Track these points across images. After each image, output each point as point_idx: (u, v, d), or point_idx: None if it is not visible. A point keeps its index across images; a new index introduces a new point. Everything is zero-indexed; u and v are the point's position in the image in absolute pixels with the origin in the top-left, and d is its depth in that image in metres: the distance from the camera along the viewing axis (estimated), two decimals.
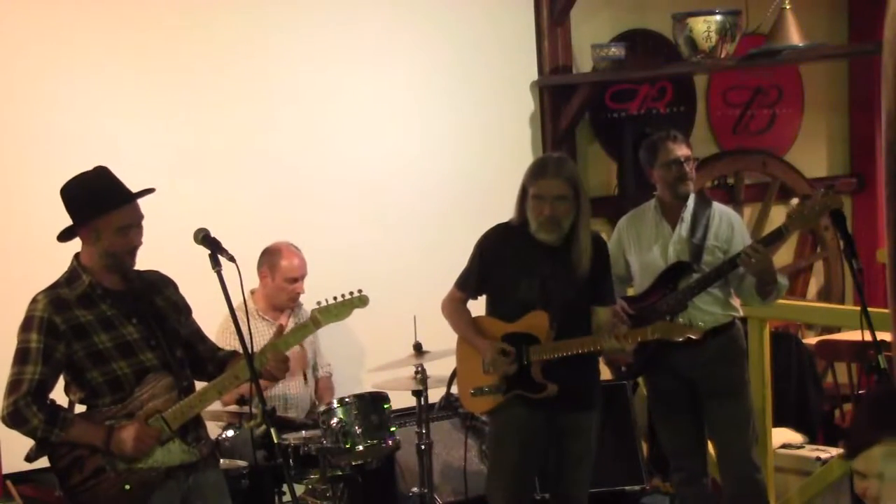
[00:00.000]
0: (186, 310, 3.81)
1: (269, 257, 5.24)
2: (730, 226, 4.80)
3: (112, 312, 3.59)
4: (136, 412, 3.56)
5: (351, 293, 3.93)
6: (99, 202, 3.56)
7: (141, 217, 3.65)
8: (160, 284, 3.76)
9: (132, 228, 3.60)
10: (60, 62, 5.17)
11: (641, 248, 4.86)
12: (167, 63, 5.38)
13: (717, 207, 4.86)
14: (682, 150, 4.76)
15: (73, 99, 5.19)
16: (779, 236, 4.70)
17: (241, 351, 3.60)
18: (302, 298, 5.38)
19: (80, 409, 3.69)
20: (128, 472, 3.54)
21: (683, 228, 4.79)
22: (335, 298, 3.90)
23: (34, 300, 3.59)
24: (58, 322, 3.52)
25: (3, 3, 5.06)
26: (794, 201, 4.84)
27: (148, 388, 3.57)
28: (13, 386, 3.51)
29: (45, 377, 3.52)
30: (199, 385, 3.79)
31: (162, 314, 3.69)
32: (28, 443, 3.70)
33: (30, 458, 3.67)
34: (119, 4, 5.30)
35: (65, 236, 3.66)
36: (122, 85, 5.29)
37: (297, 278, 5.25)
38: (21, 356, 3.53)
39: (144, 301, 3.65)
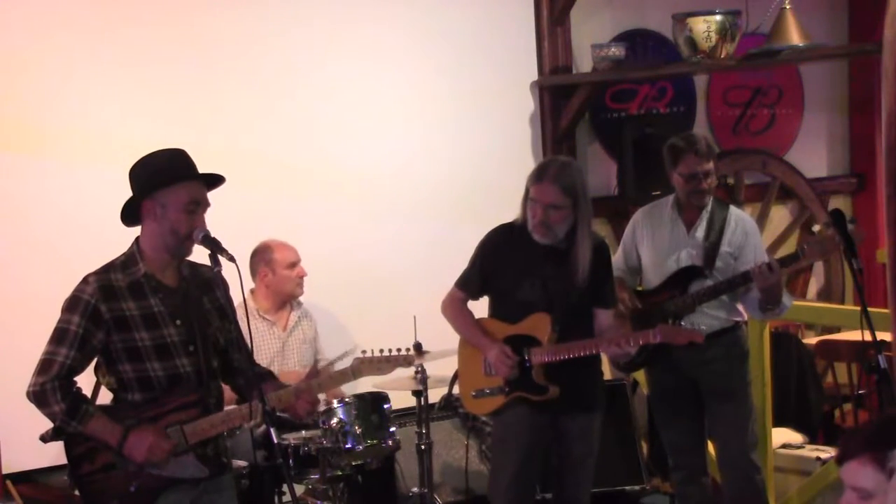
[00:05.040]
0: (232, 314, 3.72)
1: (262, 255, 5.26)
2: (744, 232, 4.79)
3: (159, 309, 3.53)
4: (158, 419, 3.53)
5: (399, 350, 3.95)
6: (170, 172, 3.52)
7: (208, 203, 3.59)
8: (212, 283, 3.66)
9: (199, 207, 3.54)
10: (57, 60, 5.16)
11: (654, 245, 4.85)
12: (165, 61, 5.38)
13: (734, 213, 4.84)
14: (702, 166, 4.69)
15: (68, 97, 5.18)
16: (794, 260, 4.71)
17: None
18: (304, 295, 5.39)
19: (105, 393, 3.67)
20: (136, 474, 3.52)
21: (699, 231, 4.78)
22: (381, 351, 3.92)
23: (85, 280, 3.53)
24: (103, 310, 3.47)
25: (12, 4, 5.07)
26: (817, 228, 4.82)
27: (175, 399, 3.55)
28: (44, 365, 3.48)
29: (76, 363, 3.49)
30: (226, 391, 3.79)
31: (206, 319, 3.63)
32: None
33: (45, 439, 3.66)
34: (117, 2, 5.30)
35: (128, 217, 3.58)
36: (120, 83, 5.28)
37: (295, 262, 5.28)
38: (59, 336, 3.49)
39: (193, 301, 3.60)
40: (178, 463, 3.54)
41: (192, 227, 3.52)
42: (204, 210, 3.57)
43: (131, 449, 3.48)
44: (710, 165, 4.74)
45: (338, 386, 4.12)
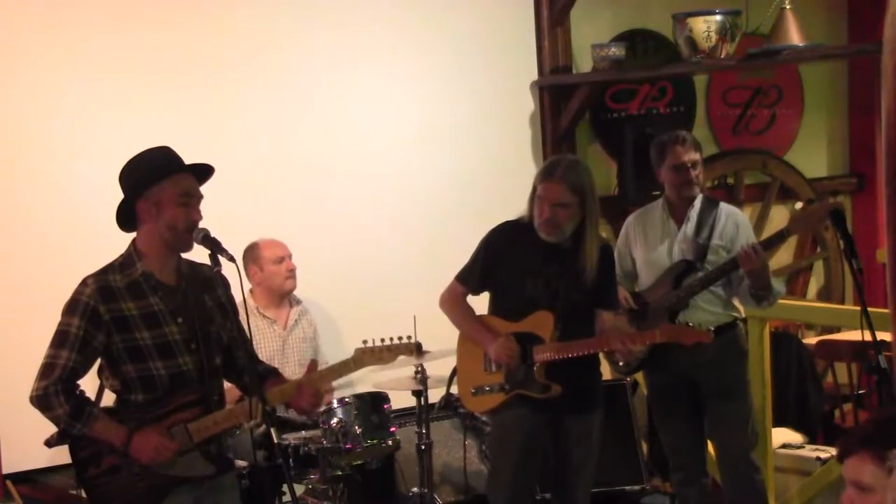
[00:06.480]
0: (234, 312, 3.72)
1: (250, 254, 5.27)
2: (735, 225, 4.81)
3: (159, 308, 3.53)
4: (162, 419, 3.52)
5: (400, 338, 3.94)
6: (157, 169, 3.51)
7: (201, 195, 3.58)
8: (213, 281, 3.64)
9: (192, 199, 3.54)
10: (64, 61, 5.16)
11: (647, 245, 4.88)
12: (170, 63, 5.37)
13: (724, 207, 4.87)
14: (688, 156, 4.75)
15: (75, 98, 5.18)
16: (780, 238, 4.72)
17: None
18: (304, 291, 5.40)
19: (109, 396, 3.67)
20: (143, 475, 3.52)
21: (689, 227, 4.80)
22: (382, 340, 3.90)
23: (84, 283, 3.52)
24: (102, 311, 3.47)
25: (9, 5, 5.06)
26: (799, 205, 4.85)
27: (178, 398, 3.55)
28: (46, 369, 3.47)
29: (78, 365, 3.48)
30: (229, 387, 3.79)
31: (209, 316, 3.62)
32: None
33: (50, 443, 3.65)
34: (126, 5, 5.30)
35: (124, 221, 3.58)
36: (122, 85, 5.28)
37: (283, 257, 5.28)
38: (59, 339, 3.49)
39: (194, 299, 3.58)
40: (184, 462, 3.54)
41: (189, 220, 3.52)
42: (198, 202, 3.57)
43: (137, 450, 3.48)
44: (697, 156, 4.79)
45: (340, 377, 4.10)
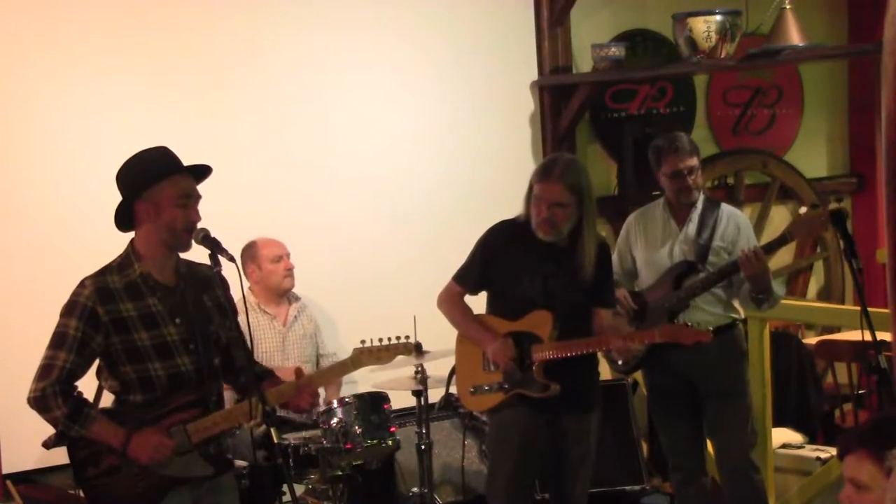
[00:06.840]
0: (233, 313, 3.71)
1: (248, 252, 5.29)
2: (736, 227, 4.80)
3: (157, 309, 3.53)
4: (161, 420, 3.53)
5: (398, 338, 3.94)
6: (156, 170, 3.51)
7: (199, 195, 3.58)
8: (212, 282, 3.64)
9: (191, 200, 3.53)
10: (64, 61, 5.16)
11: (648, 244, 4.87)
12: (170, 63, 5.38)
13: (725, 209, 4.86)
14: (684, 163, 4.73)
15: (75, 98, 5.18)
16: (781, 242, 4.71)
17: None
18: (303, 291, 5.40)
19: (108, 397, 3.67)
20: (142, 475, 3.52)
21: (691, 228, 4.79)
22: (381, 340, 3.90)
23: (82, 284, 3.52)
24: (100, 313, 3.46)
25: (8, 5, 5.06)
26: (803, 209, 4.84)
27: (177, 399, 3.54)
28: (44, 370, 3.47)
29: (76, 367, 3.48)
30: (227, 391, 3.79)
31: (207, 316, 3.62)
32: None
33: (48, 445, 3.65)
34: (124, 5, 5.30)
35: (122, 222, 3.58)
36: (127, 84, 5.28)
37: (281, 256, 5.30)
38: (57, 340, 3.49)
39: (193, 299, 3.58)
40: (183, 462, 3.54)
41: (188, 221, 3.52)
42: (196, 202, 3.57)
43: (135, 451, 3.48)
44: (694, 161, 4.76)
45: (338, 377, 4.10)
